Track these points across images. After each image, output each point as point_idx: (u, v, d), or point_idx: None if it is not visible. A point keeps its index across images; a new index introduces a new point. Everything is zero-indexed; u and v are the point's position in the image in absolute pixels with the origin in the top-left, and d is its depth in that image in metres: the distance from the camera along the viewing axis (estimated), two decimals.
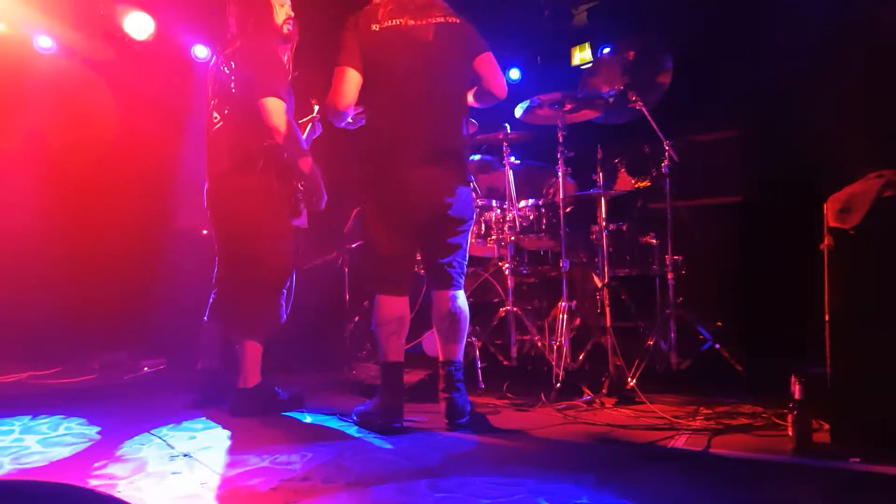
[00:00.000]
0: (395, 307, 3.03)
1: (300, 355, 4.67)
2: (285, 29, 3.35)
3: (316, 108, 3.67)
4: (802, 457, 2.42)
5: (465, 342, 3.11)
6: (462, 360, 3.09)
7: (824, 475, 2.29)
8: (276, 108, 3.14)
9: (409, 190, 2.91)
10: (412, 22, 2.93)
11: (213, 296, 3.58)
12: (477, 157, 4.65)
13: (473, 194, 4.16)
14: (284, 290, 3.39)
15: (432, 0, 3.00)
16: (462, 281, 3.13)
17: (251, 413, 3.28)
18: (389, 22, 2.93)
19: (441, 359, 3.09)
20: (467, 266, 4.26)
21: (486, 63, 2.99)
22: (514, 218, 3.98)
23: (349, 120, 3.10)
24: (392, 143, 2.94)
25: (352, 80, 2.92)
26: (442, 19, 2.95)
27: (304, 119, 3.66)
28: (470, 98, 3.12)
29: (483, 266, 4.29)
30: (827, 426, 2.59)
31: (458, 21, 2.99)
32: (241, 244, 3.35)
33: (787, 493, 2.21)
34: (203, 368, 3.56)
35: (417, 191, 2.91)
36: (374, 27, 2.93)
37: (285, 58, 3.41)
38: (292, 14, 3.38)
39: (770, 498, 2.13)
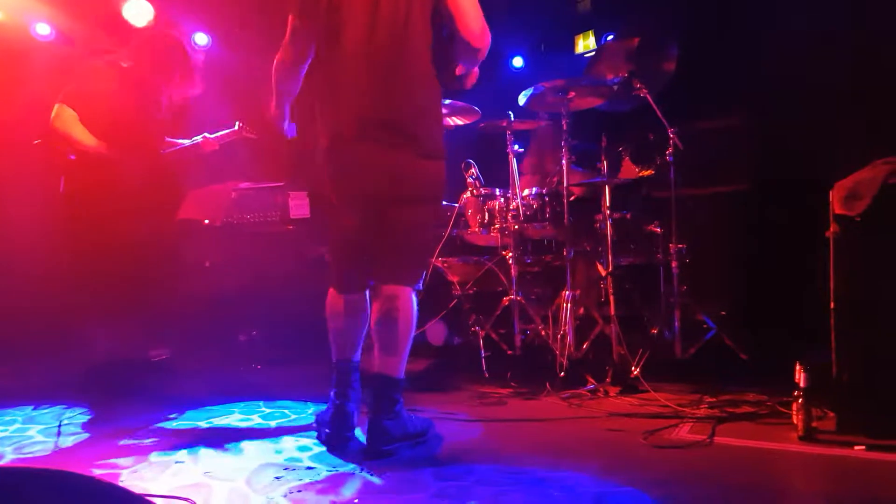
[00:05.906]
0: (343, 304, 2.68)
1: (297, 346, 4.64)
2: None
3: (237, 124, 3.98)
4: (807, 445, 2.42)
5: (406, 356, 2.57)
6: (401, 377, 2.56)
7: (829, 463, 2.28)
8: (58, 113, 3.57)
9: (345, 169, 2.57)
10: None
11: None
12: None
13: (475, 179, 4.16)
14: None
15: None
16: (410, 276, 2.61)
17: None
18: None
19: (374, 370, 2.57)
20: (472, 255, 4.28)
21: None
22: (517, 207, 3.96)
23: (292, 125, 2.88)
24: (330, 117, 2.58)
25: (303, 32, 2.58)
26: None
27: (225, 132, 3.97)
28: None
29: (487, 255, 4.28)
30: (832, 414, 2.58)
31: None
32: None
33: (791, 480, 2.21)
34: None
35: (353, 170, 2.55)
36: None
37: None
38: None
39: (775, 486, 2.12)
